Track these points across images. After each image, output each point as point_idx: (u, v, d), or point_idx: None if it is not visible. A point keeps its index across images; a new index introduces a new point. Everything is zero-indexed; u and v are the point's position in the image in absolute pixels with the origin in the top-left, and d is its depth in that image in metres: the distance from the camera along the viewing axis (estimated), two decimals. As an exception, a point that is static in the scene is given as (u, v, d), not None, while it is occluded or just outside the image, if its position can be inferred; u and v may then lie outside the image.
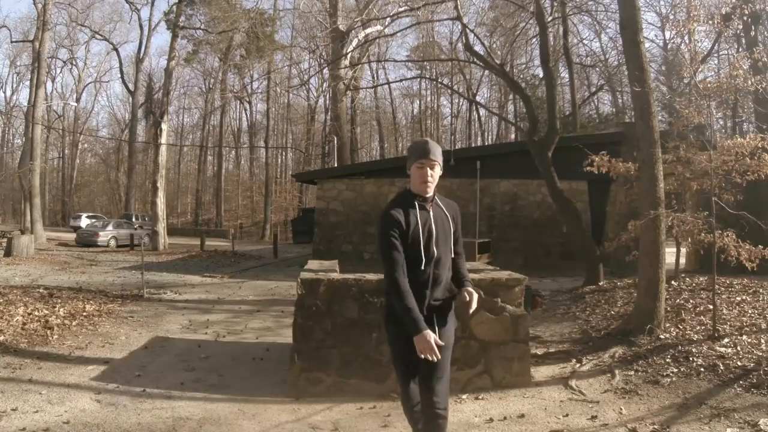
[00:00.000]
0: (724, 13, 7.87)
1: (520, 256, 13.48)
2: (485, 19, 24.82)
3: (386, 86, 39.98)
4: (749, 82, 6.27)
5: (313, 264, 5.52)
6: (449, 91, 37.77)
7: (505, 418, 3.81)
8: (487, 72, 27.36)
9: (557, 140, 10.22)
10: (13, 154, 41.34)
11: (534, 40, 20.93)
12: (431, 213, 2.58)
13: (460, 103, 41.58)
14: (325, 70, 25.39)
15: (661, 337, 5.51)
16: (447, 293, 2.63)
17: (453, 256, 2.66)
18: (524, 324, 4.48)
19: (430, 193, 2.60)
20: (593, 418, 3.82)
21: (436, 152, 2.57)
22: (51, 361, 5.13)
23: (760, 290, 6.95)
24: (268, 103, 41.87)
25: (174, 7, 23.04)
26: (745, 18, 10.31)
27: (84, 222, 29.64)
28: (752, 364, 4.56)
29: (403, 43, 49.31)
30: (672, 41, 22.34)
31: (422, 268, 2.50)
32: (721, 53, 19.17)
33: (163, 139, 21.56)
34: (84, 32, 40.11)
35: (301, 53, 36.76)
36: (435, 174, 2.58)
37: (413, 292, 2.46)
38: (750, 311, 6.14)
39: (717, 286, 6.24)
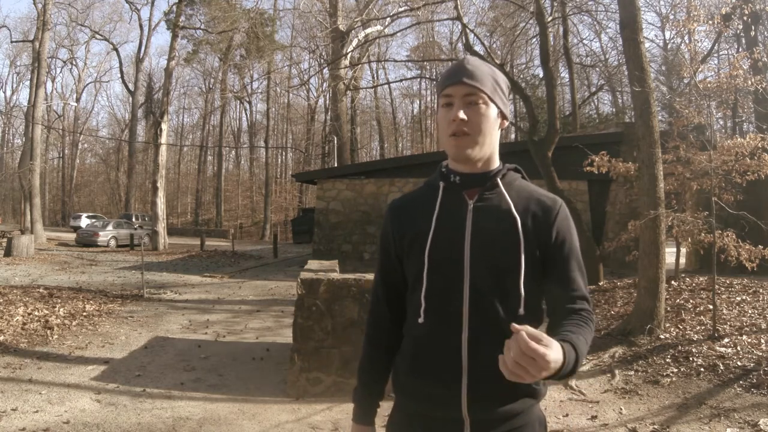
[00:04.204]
0: (724, 13, 7.89)
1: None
2: (485, 19, 24.79)
3: (386, 86, 40.04)
4: (749, 82, 6.29)
5: (313, 264, 5.52)
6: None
7: (505, 418, 3.81)
8: (487, 72, 27.25)
9: (557, 140, 10.23)
10: (13, 154, 41.35)
11: (534, 40, 20.94)
12: (469, 209, 1.23)
13: (460, 103, 41.57)
14: (325, 70, 25.40)
15: (661, 337, 5.51)
16: (504, 402, 1.20)
17: (521, 313, 1.20)
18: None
19: (476, 157, 1.22)
20: (593, 418, 3.83)
21: (479, 73, 1.21)
22: (51, 361, 5.13)
23: (760, 290, 6.95)
24: (268, 103, 41.93)
25: (174, 7, 23.06)
26: (745, 18, 10.34)
27: (84, 222, 29.61)
28: (752, 364, 4.56)
29: (403, 43, 49.57)
30: (672, 41, 22.39)
31: (420, 323, 1.22)
32: (721, 53, 19.16)
33: (163, 139, 21.56)
34: (84, 32, 40.23)
35: (301, 53, 36.86)
36: (478, 116, 1.19)
37: (413, 382, 1.24)
38: (750, 311, 6.14)
39: (717, 286, 6.25)
